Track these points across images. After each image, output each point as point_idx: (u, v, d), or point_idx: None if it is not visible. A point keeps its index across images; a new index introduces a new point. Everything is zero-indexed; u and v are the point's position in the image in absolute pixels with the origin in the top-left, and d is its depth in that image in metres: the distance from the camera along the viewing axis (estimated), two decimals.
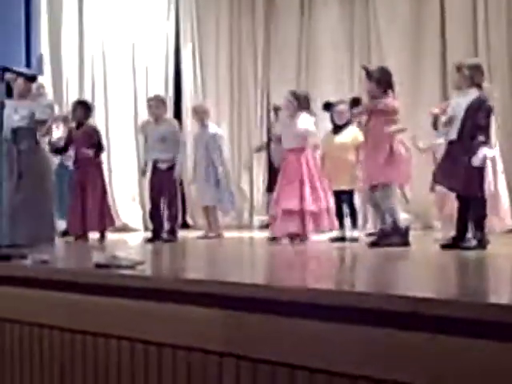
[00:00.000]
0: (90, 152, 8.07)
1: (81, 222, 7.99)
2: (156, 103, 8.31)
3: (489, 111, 5.82)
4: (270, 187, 8.52)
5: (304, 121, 7.16)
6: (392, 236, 6.38)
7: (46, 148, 6.85)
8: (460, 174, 5.73)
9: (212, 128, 8.87)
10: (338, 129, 7.72)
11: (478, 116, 5.73)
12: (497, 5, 9.63)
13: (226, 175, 8.77)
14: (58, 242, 7.29)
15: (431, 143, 7.19)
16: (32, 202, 5.71)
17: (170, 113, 9.86)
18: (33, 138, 5.72)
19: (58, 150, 8.35)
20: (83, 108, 8.36)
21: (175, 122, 8.95)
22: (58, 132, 8.85)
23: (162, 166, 8.08)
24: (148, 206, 11.33)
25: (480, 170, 5.75)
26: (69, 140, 8.26)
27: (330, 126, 7.85)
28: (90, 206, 8.00)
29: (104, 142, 11.02)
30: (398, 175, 6.53)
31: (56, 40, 10.72)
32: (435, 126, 6.93)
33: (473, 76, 5.84)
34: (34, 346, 4.14)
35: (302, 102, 7.25)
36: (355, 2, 11.05)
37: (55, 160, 8.47)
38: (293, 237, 7.06)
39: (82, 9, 11.02)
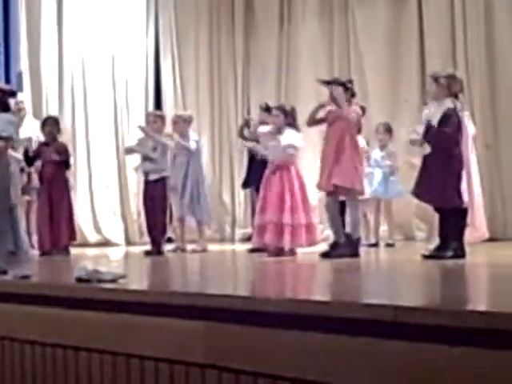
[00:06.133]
0: (56, 157, 8.11)
1: (49, 237, 8.12)
2: (153, 118, 8.54)
3: (457, 124, 5.85)
4: (247, 182, 8.59)
5: (290, 136, 7.17)
6: (344, 247, 6.46)
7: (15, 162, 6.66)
8: (436, 186, 5.78)
9: (193, 136, 8.83)
10: None
11: (446, 129, 5.79)
12: (476, 20, 9.67)
13: (202, 186, 8.73)
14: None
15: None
16: None
17: None
18: None
19: (28, 160, 8.11)
20: (53, 124, 8.40)
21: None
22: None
23: (152, 177, 8.14)
24: (129, 220, 11.55)
25: (456, 181, 5.79)
26: (38, 153, 8.16)
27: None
28: (57, 221, 8.14)
29: (84, 156, 11.12)
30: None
31: (35, 56, 10.68)
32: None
33: (450, 85, 5.88)
34: (15, 361, 4.13)
35: (288, 116, 7.26)
36: (334, 17, 11.08)
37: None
38: (278, 252, 6.98)
39: (62, 24, 10.98)
